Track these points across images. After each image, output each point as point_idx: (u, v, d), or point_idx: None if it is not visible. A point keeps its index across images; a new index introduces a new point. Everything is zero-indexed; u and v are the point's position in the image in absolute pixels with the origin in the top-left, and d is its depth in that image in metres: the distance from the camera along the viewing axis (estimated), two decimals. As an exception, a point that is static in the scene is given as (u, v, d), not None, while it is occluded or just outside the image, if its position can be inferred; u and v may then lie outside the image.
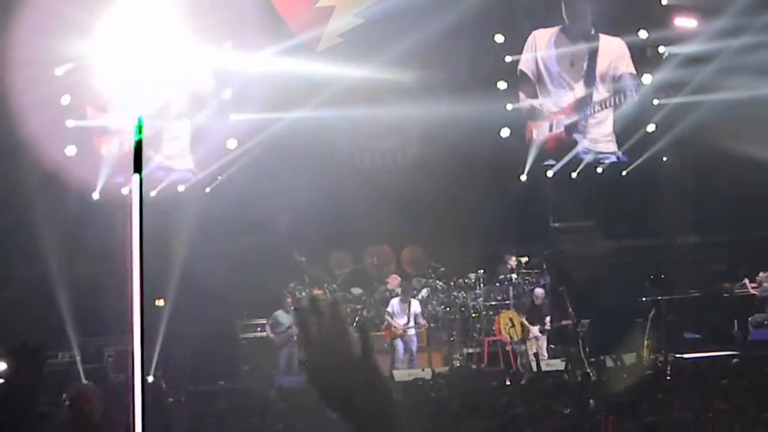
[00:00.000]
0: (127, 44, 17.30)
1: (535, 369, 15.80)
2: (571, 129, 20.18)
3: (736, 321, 17.89)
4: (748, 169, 17.93)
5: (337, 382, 2.09)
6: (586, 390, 11.41)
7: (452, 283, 18.46)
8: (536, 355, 16.42)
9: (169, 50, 17.42)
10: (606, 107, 20.11)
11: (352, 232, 18.64)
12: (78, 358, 15.87)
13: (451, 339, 17.93)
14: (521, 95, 20.16)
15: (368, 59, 18.04)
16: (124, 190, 17.53)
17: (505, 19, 19.87)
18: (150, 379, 14.20)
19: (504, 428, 8.69)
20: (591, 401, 10.37)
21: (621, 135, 20.15)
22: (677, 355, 15.36)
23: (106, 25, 17.21)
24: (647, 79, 19.85)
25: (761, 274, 17.89)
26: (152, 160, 18.30)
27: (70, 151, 17.90)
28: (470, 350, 17.67)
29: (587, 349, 16.27)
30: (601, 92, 20.16)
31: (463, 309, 18.05)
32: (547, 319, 17.33)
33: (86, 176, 17.71)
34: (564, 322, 17.04)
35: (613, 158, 20.28)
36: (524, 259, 18.77)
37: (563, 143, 20.17)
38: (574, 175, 20.22)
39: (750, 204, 18.69)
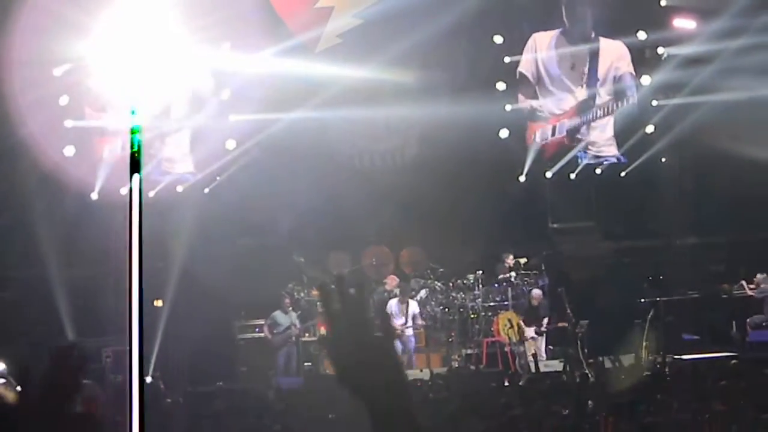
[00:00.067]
0: (125, 44, 17.28)
1: (533, 370, 15.82)
2: (573, 133, 20.17)
3: (734, 322, 17.88)
4: (747, 170, 17.92)
5: (356, 358, 2.13)
6: (585, 391, 11.42)
7: (451, 284, 18.46)
8: (535, 356, 16.43)
9: (168, 51, 17.39)
10: (608, 112, 20.10)
11: (350, 233, 18.64)
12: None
13: (450, 340, 17.94)
14: (520, 97, 20.16)
15: (367, 60, 18.03)
16: (123, 191, 17.52)
17: (504, 20, 19.86)
18: (148, 379, 14.19)
19: (502, 429, 8.69)
20: (590, 402, 10.38)
21: (620, 136, 20.15)
22: (676, 356, 15.36)
23: (104, 26, 17.19)
24: (646, 80, 19.84)
25: (758, 275, 17.89)
26: (151, 161, 18.28)
27: (69, 151, 17.88)
28: (469, 351, 17.67)
29: (586, 350, 16.26)
30: (602, 96, 20.16)
31: (461, 310, 18.05)
32: (545, 320, 17.33)
33: (85, 177, 17.69)
34: (560, 324, 17.04)
35: (613, 160, 20.29)
36: (523, 260, 18.79)
37: (565, 147, 20.17)
38: (573, 176, 20.22)
39: (749, 205, 18.68)
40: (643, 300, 17.80)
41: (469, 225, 18.72)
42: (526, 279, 18.45)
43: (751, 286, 17.96)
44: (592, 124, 20.25)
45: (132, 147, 2.67)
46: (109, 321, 15.90)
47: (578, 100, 20.19)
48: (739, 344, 16.98)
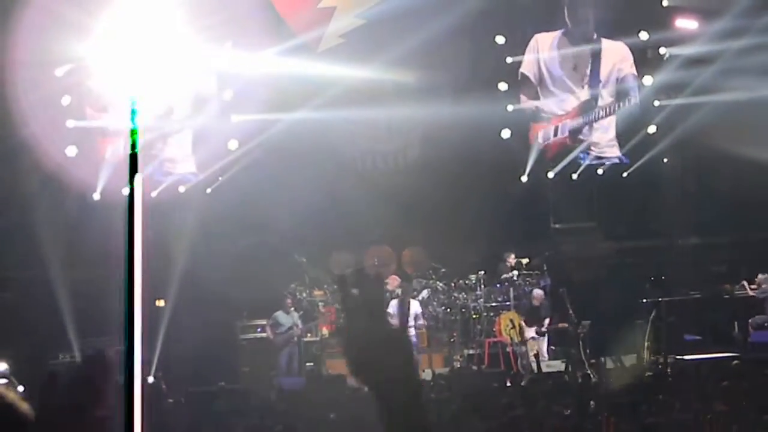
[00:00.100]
0: (126, 45, 17.28)
1: (535, 370, 15.80)
2: (575, 134, 20.17)
3: (736, 323, 17.86)
4: (749, 171, 17.91)
5: (373, 351, 2.16)
6: (587, 391, 11.43)
7: (453, 284, 18.46)
8: (537, 356, 16.42)
9: (170, 51, 17.39)
10: (610, 113, 20.10)
11: (352, 233, 18.63)
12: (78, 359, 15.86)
13: (452, 340, 17.93)
14: (522, 97, 20.16)
15: (370, 60, 18.03)
16: (125, 191, 17.51)
17: (506, 21, 19.86)
18: (150, 379, 14.19)
19: (504, 429, 8.70)
20: (591, 402, 10.39)
21: (622, 136, 20.14)
22: (677, 357, 15.36)
23: (106, 26, 17.20)
24: (648, 80, 19.84)
25: (760, 276, 17.86)
26: (153, 162, 18.29)
27: (71, 151, 17.89)
28: (471, 351, 17.66)
29: (588, 351, 16.25)
30: (604, 97, 20.16)
31: (463, 310, 18.05)
32: (547, 320, 17.32)
33: (87, 177, 17.69)
34: (562, 324, 17.03)
35: (615, 160, 20.29)
36: (525, 260, 18.77)
37: (567, 148, 20.17)
38: (575, 176, 20.22)
39: (750, 205, 18.67)
40: (644, 300, 17.77)
41: (471, 225, 18.71)
42: (528, 279, 18.44)
43: (753, 287, 17.94)
44: (594, 124, 20.25)
45: (132, 147, 2.66)
46: (111, 321, 15.89)
47: (580, 100, 20.19)
48: (741, 345, 16.95)
